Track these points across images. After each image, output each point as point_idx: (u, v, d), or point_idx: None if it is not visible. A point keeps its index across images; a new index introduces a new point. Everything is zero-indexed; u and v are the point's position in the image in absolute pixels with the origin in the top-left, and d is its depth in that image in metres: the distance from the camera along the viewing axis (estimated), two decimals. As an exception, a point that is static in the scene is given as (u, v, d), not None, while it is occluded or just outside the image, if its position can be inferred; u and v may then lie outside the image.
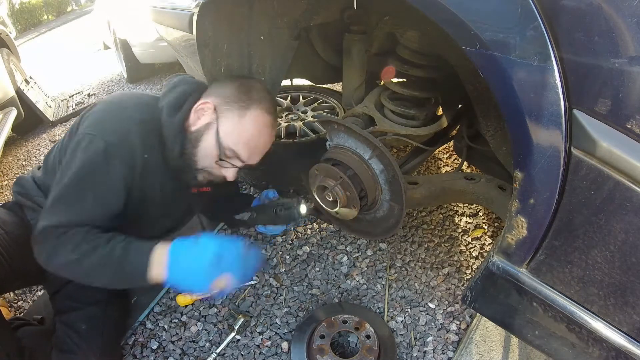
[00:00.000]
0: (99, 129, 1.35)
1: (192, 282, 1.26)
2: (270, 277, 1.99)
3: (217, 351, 1.67)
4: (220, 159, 1.45)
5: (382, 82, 1.85)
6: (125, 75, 5.51)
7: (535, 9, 0.76)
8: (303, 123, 2.56)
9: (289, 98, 2.87)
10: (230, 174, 1.50)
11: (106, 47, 6.90)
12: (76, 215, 1.30)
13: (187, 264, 1.25)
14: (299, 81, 2.87)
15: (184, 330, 1.78)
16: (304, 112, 2.71)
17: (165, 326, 1.80)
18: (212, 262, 1.24)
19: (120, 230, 1.36)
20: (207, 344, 1.73)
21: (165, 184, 1.53)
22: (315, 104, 2.82)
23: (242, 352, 1.68)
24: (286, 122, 2.56)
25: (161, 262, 1.26)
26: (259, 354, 1.68)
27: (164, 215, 1.66)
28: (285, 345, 1.70)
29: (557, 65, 0.76)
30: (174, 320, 1.83)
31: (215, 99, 1.47)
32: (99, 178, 1.33)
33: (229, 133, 1.43)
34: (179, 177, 1.52)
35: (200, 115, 1.45)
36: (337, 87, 3.30)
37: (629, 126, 0.74)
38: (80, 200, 1.31)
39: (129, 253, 1.27)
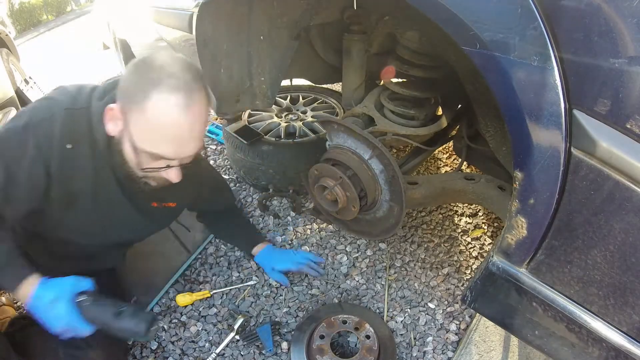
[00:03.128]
0: (28, 109, 1.25)
1: (45, 322, 1.21)
2: (270, 277, 1.99)
3: (217, 351, 1.67)
4: (144, 168, 1.23)
5: (382, 82, 1.85)
6: (125, 75, 5.50)
7: (535, 9, 0.76)
8: (303, 123, 2.56)
9: (288, 98, 2.87)
10: (171, 175, 1.26)
11: (105, 47, 6.88)
12: None
13: (44, 309, 1.20)
14: (298, 81, 2.87)
15: (184, 331, 1.78)
16: (304, 112, 2.71)
17: (165, 326, 1.80)
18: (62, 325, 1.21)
19: (53, 239, 1.35)
20: (207, 344, 1.73)
21: (100, 190, 1.35)
22: (315, 104, 2.81)
23: (241, 353, 1.68)
24: (286, 122, 2.56)
25: (27, 293, 1.20)
26: (259, 354, 1.68)
27: (105, 227, 1.48)
28: (285, 345, 1.69)
29: (557, 66, 0.77)
30: (174, 321, 1.83)
31: (120, 97, 1.19)
32: (9, 152, 1.19)
33: (139, 135, 1.17)
34: (129, 186, 1.36)
35: (111, 121, 1.22)
36: (337, 87, 3.30)
37: (628, 126, 0.74)
38: None
39: (4, 268, 1.22)
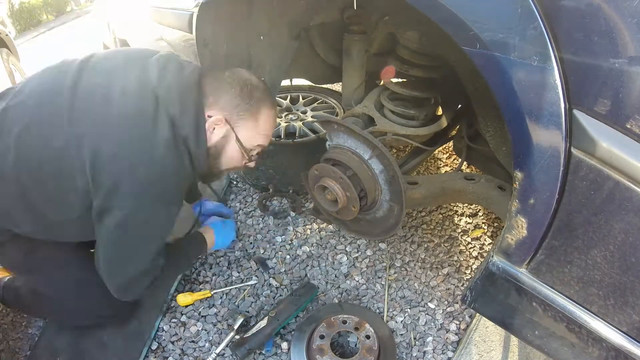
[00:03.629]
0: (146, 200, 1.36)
1: (226, 243, 1.91)
2: (269, 277, 1.99)
3: (217, 351, 1.67)
4: (249, 158, 1.56)
5: (382, 82, 1.85)
6: (125, 75, 5.49)
7: (535, 9, 0.76)
8: (302, 123, 2.56)
9: (288, 98, 2.87)
10: (256, 159, 1.61)
11: (106, 47, 6.87)
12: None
13: (223, 235, 1.88)
14: (298, 81, 2.87)
15: (184, 331, 1.78)
16: (304, 112, 2.71)
17: (165, 326, 1.80)
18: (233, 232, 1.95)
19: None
20: (207, 344, 1.73)
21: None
22: (315, 104, 2.81)
23: (241, 352, 1.68)
24: (286, 122, 2.56)
25: (210, 241, 1.83)
26: (259, 354, 1.68)
27: None
28: (285, 345, 1.69)
29: (557, 66, 0.77)
30: (174, 320, 1.83)
31: (222, 111, 1.43)
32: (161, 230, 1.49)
33: (250, 137, 1.50)
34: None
35: (213, 130, 1.45)
36: (337, 87, 3.30)
37: (628, 126, 0.74)
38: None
39: (189, 254, 1.80)
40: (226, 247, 1.93)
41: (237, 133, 1.47)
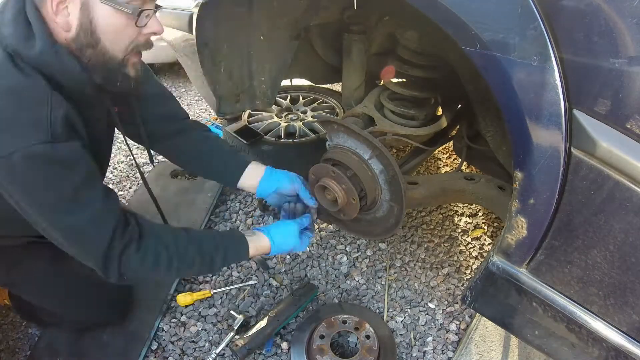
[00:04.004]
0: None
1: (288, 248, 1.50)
2: (270, 277, 1.99)
3: (217, 351, 1.67)
4: (138, 15, 1.10)
5: (382, 82, 1.85)
6: (125, 75, 5.49)
7: (535, 9, 0.76)
8: (302, 123, 2.56)
9: (288, 98, 2.87)
10: (155, 25, 1.17)
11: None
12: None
13: (284, 242, 1.48)
14: (298, 81, 2.87)
15: (184, 331, 1.78)
16: (304, 112, 2.71)
17: (165, 327, 1.80)
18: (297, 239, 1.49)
19: None
20: (207, 344, 1.73)
21: (91, 119, 1.24)
22: (315, 104, 2.82)
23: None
24: (286, 122, 2.56)
25: (262, 249, 1.45)
26: (259, 354, 1.68)
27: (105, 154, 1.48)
28: (285, 345, 1.69)
29: (557, 66, 0.77)
30: (173, 320, 1.83)
31: None
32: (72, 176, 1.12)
33: None
34: (100, 97, 1.26)
35: (63, 8, 1.05)
36: (337, 87, 3.30)
37: (628, 126, 0.74)
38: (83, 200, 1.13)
39: (226, 257, 1.38)
40: (288, 251, 1.54)
41: None
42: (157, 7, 1.19)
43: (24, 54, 1.04)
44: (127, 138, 1.53)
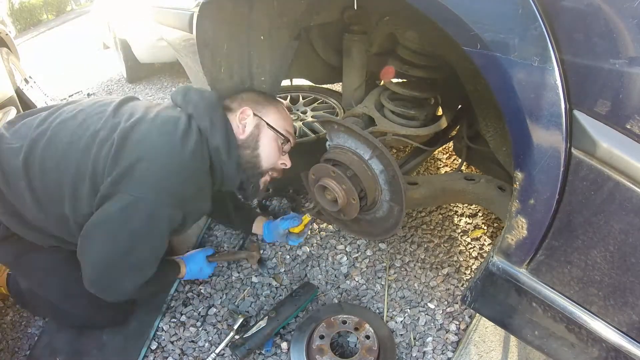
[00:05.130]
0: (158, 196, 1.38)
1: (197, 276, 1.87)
2: (270, 277, 1.99)
3: (217, 351, 1.67)
4: (283, 145, 1.66)
5: (382, 83, 1.85)
6: (125, 75, 5.50)
7: (536, 10, 0.76)
8: (303, 123, 2.56)
9: (288, 98, 2.87)
10: (287, 160, 1.70)
11: (105, 47, 6.88)
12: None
13: (195, 269, 1.84)
14: (298, 81, 2.87)
15: (183, 331, 1.78)
16: (304, 112, 2.71)
17: (165, 326, 1.80)
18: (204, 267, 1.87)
19: None
20: (207, 344, 1.73)
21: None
22: (315, 104, 2.82)
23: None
24: (286, 122, 2.56)
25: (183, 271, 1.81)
26: (259, 354, 1.68)
27: None
28: (284, 345, 1.70)
29: (558, 66, 0.77)
30: (173, 320, 1.83)
31: (244, 103, 1.63)
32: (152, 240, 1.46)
33: (278, 119, 1.64)
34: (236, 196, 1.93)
35: (244, 122, 1.59)
36: (337, 87, 3.30)
37: (628, 127, 0.74)
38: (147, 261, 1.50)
39: (168, 275, 1.76)
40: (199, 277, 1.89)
41: (266, 119, 1.61)
42: (290, 134, 1.71)
43: (222, 161, 1.53)
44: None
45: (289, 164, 1.70)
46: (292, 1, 1.64)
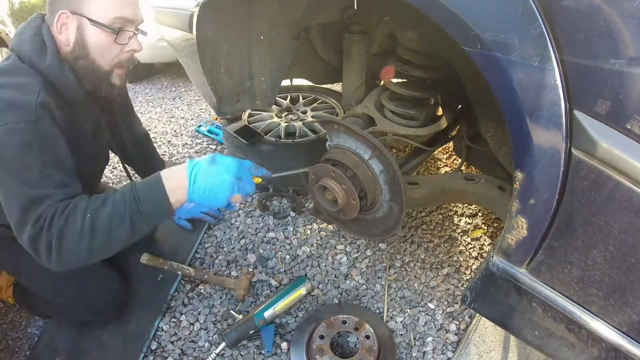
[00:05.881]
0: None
1: (214, 199, 1.26)
2: (269, 277, 1.99)
3: (217, 351, 1.67)
4: (117, 33, 1.40)
5: (382, 83, 1.85)
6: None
7: (536, 10, 0.76)
8: (303, 123, 2.56)
9: (288, 98, 2.87)
10: (134, 44, 1.47)
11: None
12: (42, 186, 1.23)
13: (208, 182, 1.24)
14: (298, 81, 2.87)
15: (183, 330, 1.78)
16: (304, 112, 2.71)
17: (165, 326, 1.80)
18: (232, 179, 1.26)
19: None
20: (207, 344, 1.73)
21: (80, 122, 1.54)
22: (315, 104, 2.82)
23: (241, 353, 1.68)
24: (286, 122, 2.56)
25: (180, 185, 1.24)
26: (259, 354, 1.68)
27: (92, 159, 1.69)
28: (284, 345, 1.69)
29: (558, 66, 0.77)
30: (173, 320, 1.83)
31: (60, 6, 1.37)
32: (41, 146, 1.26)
33: (101, 10, 1.37)
34: (90, 99, 1.55)
35: (65, 29, 1.38)
36: (337, 87, 3.30)
37: (629, 127, 0.74)
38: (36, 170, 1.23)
39: (139, 197, 1.22)
40: (217, 206, 1.29)
41: (86, 15, 1.36)
42: (139, 31, 1.49)
43: (36, 64, 1.35)
44: (113, 144, 1.91)
45: (138, 48, 1.48)
46: (292, 1, 1.64)
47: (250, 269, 1.99)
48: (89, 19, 1.36)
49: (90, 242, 1.19)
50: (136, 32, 1.48)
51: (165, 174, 1.24)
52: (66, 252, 1.19)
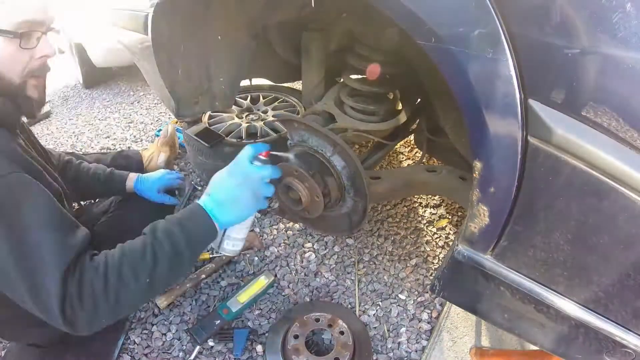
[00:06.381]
0: None
1: (242, 214, 1.24)
2: (239, 280, 1.97)
3: (191, 359, 1.64)
4: (21, 39, 1.15)
5: (342, 79, 1.86)
6: (81, 80, 5.32)
7: (488, 2, 0.77)
8: (264, 123, 2.55)
9: (248, 98, 2.84)
10: (43, 46, 1.22)
11: (60, 52, 6.63)
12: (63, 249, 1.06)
13: (234, 213, 1.21)
14: (258, 81, 2.85)
15: (156, 342, 1.74)
16: (265, 112, 2.70)
17: (136, 339, 1.76)
18: (251, 194, 1.22)
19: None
20: (181, 354, 1.69)
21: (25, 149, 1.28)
22: (276, 103, 2.81)
23: (216, 359, 1.66)
24: (247, 123, 2.54)
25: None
26: (234, 359, 1.66)
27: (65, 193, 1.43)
28: (259, 348, 1.68)
29: (512, 57, 0.78)
30: (145, 332, 1.79)
31: None
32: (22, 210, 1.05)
33: (3, 16, 1.12)
34: (17, 126, 1.28)
35: None
36: (297, 85, 3.30)
37: (583, 113, 0.76)
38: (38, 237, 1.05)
39: (190, 231, 1.14)
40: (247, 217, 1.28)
41: None
42: (52, 29, 1.24)
43: None
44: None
45: (50, 52, 1.24)
46: (249, 0, 1.63)
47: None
48: None
49: (147, 295, 1.13)
50: (45, 31, 1.22)
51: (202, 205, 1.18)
52: (119, 310, 1.11)
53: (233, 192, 1.20)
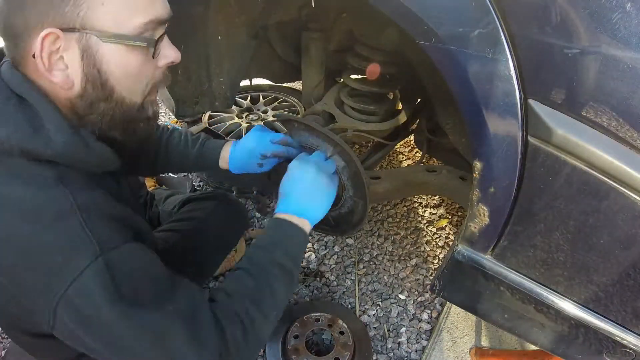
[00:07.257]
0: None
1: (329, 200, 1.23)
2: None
3: (190, 358, 1.64)
4: (155, 45, 0.87)
5: (342, 80, 1.86)
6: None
7: (488, 2, 0.77)
8: (264, 123, 2.55)
9: (248, 98, 2.84)
10: (169, 51, 0.92)
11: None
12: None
13: (315, 205, 1.19)
14: (258, 81, 2.85)
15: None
16: (265, 112, 2.69)
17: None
18: (326, 181, 1.22)
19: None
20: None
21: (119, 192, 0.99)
22: (276, 103, 2.80)
23: (215, 358, 1.66)
24: (247, 123, 2.54)
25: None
26: (233, 358, 1.66)
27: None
28: (259, 347, 1.68)
29: (512, 57, 0.78)
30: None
31: (39, 27, 0.76)
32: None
33: (115, 17, 0.80)
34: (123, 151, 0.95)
35: (57, 61, 0.80)
36: (298, 85, 3.30)
37: (583, 113, 0.77)
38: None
39: (287, 247, 1.07)
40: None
41: (97, 28, 0.79)
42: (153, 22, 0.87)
43: (37, 152, 0.78)
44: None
45: (177, 56, 0.94)
46: (249, 0, 1.63)
47: None
48: (102, 34, 0.79)
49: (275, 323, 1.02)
50: (164, 33, 0.91)
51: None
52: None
53: (312, 186, 1.18)
